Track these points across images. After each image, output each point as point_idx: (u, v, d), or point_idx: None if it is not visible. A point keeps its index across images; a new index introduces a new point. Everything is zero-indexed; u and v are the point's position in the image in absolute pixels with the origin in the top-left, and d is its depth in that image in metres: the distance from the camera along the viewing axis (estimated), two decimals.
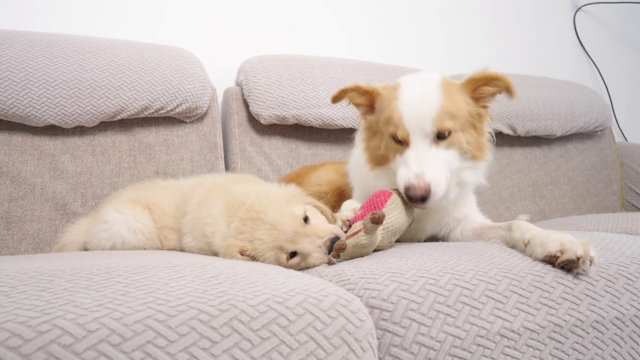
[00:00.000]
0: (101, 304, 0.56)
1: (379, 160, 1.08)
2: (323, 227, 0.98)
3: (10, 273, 0.66)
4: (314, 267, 0.95)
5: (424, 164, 0.96)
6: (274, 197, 1.03)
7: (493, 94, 1.05)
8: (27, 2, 1.68)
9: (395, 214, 0.95)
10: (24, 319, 0.51)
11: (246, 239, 0.99)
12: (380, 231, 0.93)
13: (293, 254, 0.96)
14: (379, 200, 0.96)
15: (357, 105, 1.14)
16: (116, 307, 0.55)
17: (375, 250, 0.95)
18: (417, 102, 1.00)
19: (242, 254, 0.97)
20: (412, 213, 1.02)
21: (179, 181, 1.39)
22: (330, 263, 0.92)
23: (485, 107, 1.06)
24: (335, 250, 0.89)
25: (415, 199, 0.95)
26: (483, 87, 1.04)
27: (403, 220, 0.97)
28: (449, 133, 0.99)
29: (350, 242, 0.88)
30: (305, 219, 0.99)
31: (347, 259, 0.91)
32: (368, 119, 1.12)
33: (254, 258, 0.98)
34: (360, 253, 0.91)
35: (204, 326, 0.56)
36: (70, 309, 0.54)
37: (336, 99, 1.14)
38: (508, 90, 1.03)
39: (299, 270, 0.96)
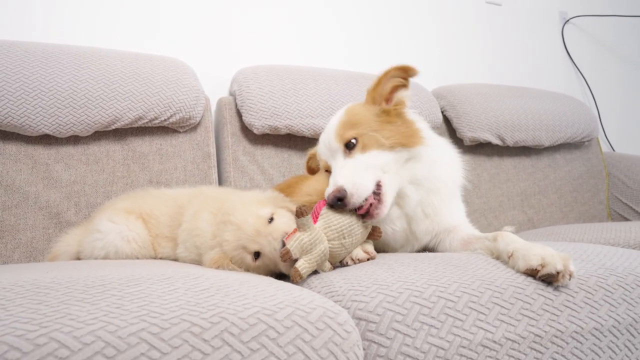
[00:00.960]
0: (96, 317, 0.58)
1: None
2: (280, 227, 0.98)
3: (6, 285, 0.68)
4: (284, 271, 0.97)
5: (337, 174, 1.03)
6: (246, 201, 1.07)
7: (394, 88, 1.14)
8: (20, 11, 1.70)
9: (337, 216, 0.98)
10: (22, 332, 0.53)
11: (217, 243, 1.02)
12: (324, 230, 0.96)
13: (257, 255, 0.99)
14: (318, 206, 1.02)
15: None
16: (111, 320, 0.57)
17: (341, 263, 1.01)
18: (324, 135, 1.13)
19: (217, 266, 1.00)
20: (366, 225, 1.03)
21: (174, 190, 1.40)
22: (295, 277, 0.91)
23: (397, 105, 1.13)
24: (281, 256, 0.91)
25: (335, 203, 0.98)
26: (380, 88, 1.13)
27: (349, 222, 0.99)
28: (356, 139, 1.06)
29: (291, 244, 0.91)
30: (271, 220, 1.01)
31: (314, 268, 0.94)
32: None
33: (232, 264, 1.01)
34: (317, 257, 0.93)
35: (195, 338, 0.58)
36: (66, 322, 0.56)
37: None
38: (402, 69, 1.12)
39: (272, 274, 1.00)
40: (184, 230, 1.17)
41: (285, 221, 1.01)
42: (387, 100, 1.14)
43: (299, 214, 0.92)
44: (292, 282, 0.92)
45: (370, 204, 0.99)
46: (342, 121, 1.10)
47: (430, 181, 1.12)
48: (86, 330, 0.55)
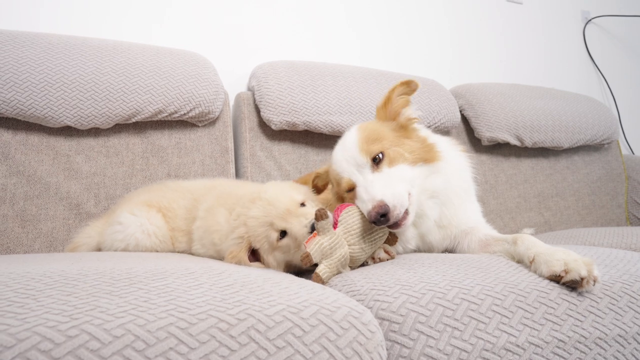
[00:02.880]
0: (125, 310, 0.58)
1: None
2: (312, 211, 0.98)
3: (35, 276, 0.68)
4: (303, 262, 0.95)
5: (371, 188, 0.99)
6: (280, 184, 1.10)
7: (403, 104, 1.13)
8: (28, 2, 1.72)
9: (355, 219, 0.99)
10: (54, 323, 0.54)
11: (241, 223, 1.02)
12: (344, 235, 0.96)
13: (283, 234, 0.99)
14: (337, 210, 1.02)
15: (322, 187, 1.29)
16: (140, 313, 0.58)
17: (362, 265, 1.01)
18: (342, 152, 1.10)
19: (236, 260, 0.99)
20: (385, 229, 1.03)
21: (190, 182, 1.41)
22: (315, 281, 0.91)
23: (408, 121, 1.13)
24: (301, 259, 0.92)
25: (378, 220, 0.95)
26: (390, 105, 1.13)
27: (370, 227, 0.99)
28: (382, 153, 1.05)
29: (311, 247, 0.91)
30: (302, 205, 1.02)
31: (334, 273, 0.94)
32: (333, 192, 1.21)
33: (252, 251, 1.02)
34: (338, 262, 0.93)
35: (223, 334, 0.58)
36: (96, 314, 0.56)
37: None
38: (406, 84, 1.12)
39: (288, 268, 1.01)
40: (199, 228, 1.17)
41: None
42: (396, 117, 1.14)
43: (319, 217, 0.92)
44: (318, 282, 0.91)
45: (402, 216, 0.97)
46: (363, 136, 1.08)
47: (444, 193, 1.12)
48: (116, 324, 0.55)
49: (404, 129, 1.12)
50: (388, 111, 1.14)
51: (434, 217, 1.10)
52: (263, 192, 1.04)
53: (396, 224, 0.97)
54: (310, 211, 1.00)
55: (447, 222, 1.13)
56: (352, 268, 0.99)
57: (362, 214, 1.01)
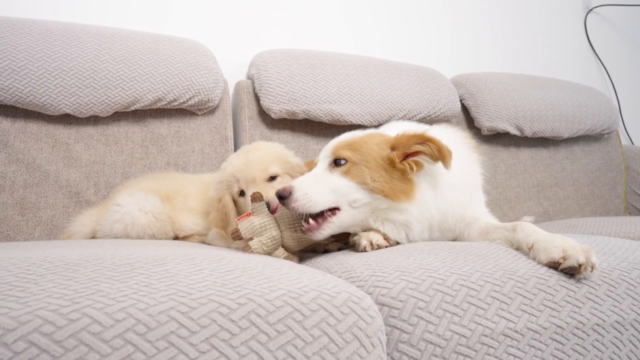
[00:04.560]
0: (126, 295, 0.58)
1: None
2: (276, 187, 1.10)
3: (36, 261, 0.69)
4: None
5: (303, 177, 1.08)
6: (269, 148, 1.25)
7: (425, 154, 1.04)
8: None
9: (287, 212, 1.06)
10: (55, 307, 0.54)
11: (223, 169, 1.21)
12: (276, 221, 1.05)
13: (242, 193, 1.16)
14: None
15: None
16: (141, 297, 0.58)
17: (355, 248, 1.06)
18: (331, 141, 1.15)
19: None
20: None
21: (196, 175, 1.46)
22: (246, 249, 1.01)
23: (415, 164, 1.05)
24: (231, 234, 1.03)
25: (277, 196, 1.04)
26: (406, 142, 1.06)
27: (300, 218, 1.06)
28: (345, 161, 1.06)
29: (242, 224, 1.01)
30: (273, 178, 1.16)
31: (267, 251, 1.02)
32: None
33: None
34: (269, 242, 1.02)
35: (223, 319, 0.59)
36: (97, 298, 0.57)
37: None
38: (440, 153, 1.02)
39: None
40: None
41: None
42: (407, 155, 1.06)
43: (254, 199, 1.04)
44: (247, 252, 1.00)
45: (310, 224, 1.03)
46: (350, 140, 1.10)
47: (442, 211, 1.09)
48: (117, 307, 0.55)
49: (392, 164, 1.05)
50: (400, 144, 1.07)
51: (402, 239, 1.08)
52: (251, 149, 1.21)
53: (308, 230, 1.03)
54: (274, 186, 1.12)
55: (453, 225, 1.13)
56: (291, 254, 1.07)
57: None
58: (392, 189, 1.04)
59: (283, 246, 1.05)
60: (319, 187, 1.04)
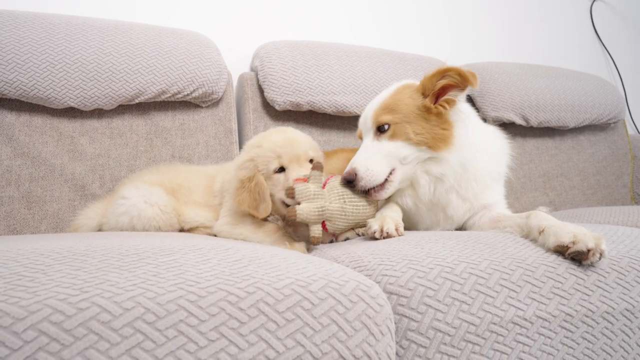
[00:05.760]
0: (135, 284, 0.58)
1: None
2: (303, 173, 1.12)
3: (44, 252, 0.69)
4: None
5: (358, 156, 1.13)
6: (303, 134, 1.24)
7: (453, 86, 1.10)
8: None
9: (338, 182, 1.11)
10: (64, 296, 0.54)
11: (255, 145, 1.18)
12: (327, 192, 1.07)
13: (281, 170, 1.14)
14: (327, 180, 1.14)
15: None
16: (149, 287, 0.58)
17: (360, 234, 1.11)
18: (367, 109, 1.20)
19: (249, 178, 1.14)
20: (371, 202, 1.13)
21: (201, 167, 1.45)
22: (290, 214, 1.03)
23: (446, 102, 1.11)
24: (285, 190, 1.08)
25: (344, 182, 1.10)
26: (433, 81, 1.11)
27: (352, 190, 1.10)
28: (389, 126, 1.12)
29: (298, 186, 1.04)
30: (310, 161, 1.16)
31: (311, 221, 1.03)
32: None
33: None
34: (317, 210, 1.03)
35: (232, 307, 0.58)
36: (106, 287, 0.57)
37: None
38: (462, 77, 1.08)
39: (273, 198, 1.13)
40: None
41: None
42: (439, 95, 1.12)
43: (315, 167, 1.07)
44: (289, 217, 1.03)
45: (374, 187, 1.10)
46: (384, 103, 1.15)
47: (470, 173, 1.13)
48: (126, 296, 0.55)
49: (428, 110, 1.11)
50: (428, 86, 1.12)
51: (427, 188, 1.14)
52: (288, 129, 1.21)
53: (369, 193, 1.11)
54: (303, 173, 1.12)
55: (473, 195, 1.15)
56: (334, 235, 1.11)
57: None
58: (434, 138, 1.10)
59: (328, 228, 1.07)
60: (374, 158, 1.11)
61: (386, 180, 1.10)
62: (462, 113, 1.14)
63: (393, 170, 1.11)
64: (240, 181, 1.15)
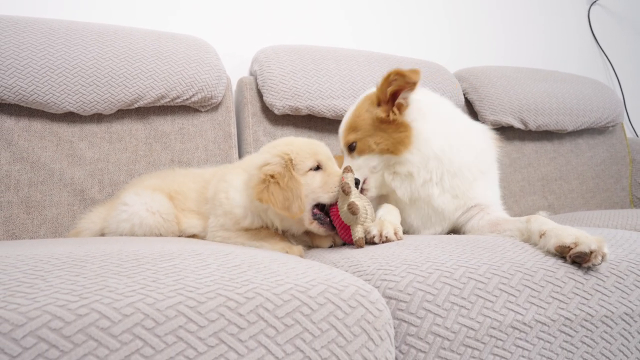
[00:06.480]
0: (134, 290, 0.58)
1: None
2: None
3: (43, 258, 0.69)
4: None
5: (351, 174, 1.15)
6: None
7: (403, 88, 1.14)
8: None
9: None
10: (63, 302, 0.54)
11: (284, 144, 1.15)
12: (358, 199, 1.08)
13: (317, 169, 1.11)
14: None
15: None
16: (148, 293, 0.58)
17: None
18: (339, 128, 1.29)
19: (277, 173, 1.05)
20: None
21: (200, 169, 1.43)
22: (354, 208, 1.01)
23: (397, 108, 1.16)
24: (341, 184, 1.04)
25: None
26: (382, 91, 1.17)
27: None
28: (355, 143, 1.21)
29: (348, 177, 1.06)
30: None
31: (364, 216, 1.02)
32: None
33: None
34: (369, 211, 1.05)
35: (231, 313, 0.59)
36: (105, 293, 0.57)
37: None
38: (403, 77, 1.12)
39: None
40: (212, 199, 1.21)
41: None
42: (394, 99, 1.17)
43: (346, 169, 1.07)
44: (351, 212, 1.00)
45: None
46: (348, 122, 1.25)
47: (446, 165, 1.15)
48: (125, 302, 0.55)
49: (381, 121, 1.17)
50: (380, 95, 1.18)
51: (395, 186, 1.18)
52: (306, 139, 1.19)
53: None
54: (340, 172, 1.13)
55: (460, 192, 1.17)
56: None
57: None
58: (394, 143, 1.15)
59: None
60: (357, 174, 1.17)
61: (362, 189, 1.19)
62: (420, 110, 1.17)
63: (365, 179, 1.20)
64: (264, 177, 1.04)
